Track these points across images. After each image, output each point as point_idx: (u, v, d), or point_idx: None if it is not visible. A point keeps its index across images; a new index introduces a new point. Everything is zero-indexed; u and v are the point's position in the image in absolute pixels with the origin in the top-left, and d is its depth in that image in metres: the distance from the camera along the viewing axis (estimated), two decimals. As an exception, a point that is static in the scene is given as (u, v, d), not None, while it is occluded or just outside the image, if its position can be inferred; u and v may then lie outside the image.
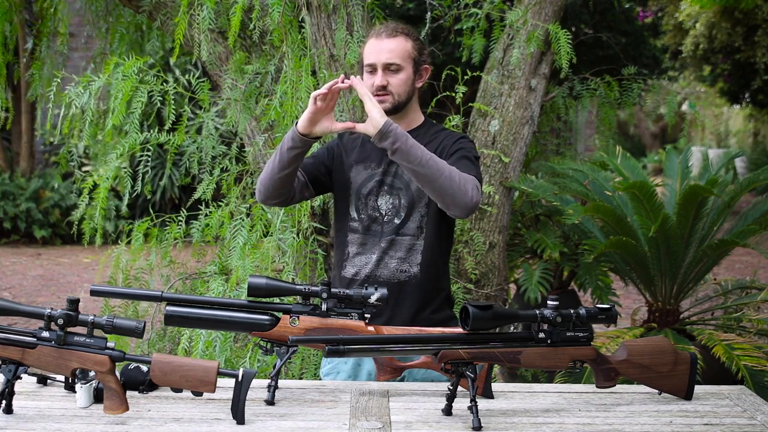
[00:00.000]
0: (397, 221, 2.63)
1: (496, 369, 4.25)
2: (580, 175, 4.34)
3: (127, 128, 3.71)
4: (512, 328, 4.21)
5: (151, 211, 4.26)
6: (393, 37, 2.60)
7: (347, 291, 2.27)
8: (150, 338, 3.86)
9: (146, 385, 2.25)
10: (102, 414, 2.06)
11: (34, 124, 10.81)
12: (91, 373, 2.14)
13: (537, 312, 2.16)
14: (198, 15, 3.55)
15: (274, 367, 2.24)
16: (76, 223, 3.97)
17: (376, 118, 2.39)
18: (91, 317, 2.04)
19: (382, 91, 2.58)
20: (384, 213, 2.64)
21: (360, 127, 2.45)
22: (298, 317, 2.25)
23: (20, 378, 2.07)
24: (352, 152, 2.71)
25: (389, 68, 2.58)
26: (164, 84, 3.74)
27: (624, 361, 2.23)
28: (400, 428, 2.04)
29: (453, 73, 3.77)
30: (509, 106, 3.95)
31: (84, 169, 9.26)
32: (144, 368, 2.24)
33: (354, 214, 2.68)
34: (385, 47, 2.58)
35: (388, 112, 2.56)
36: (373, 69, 2.59)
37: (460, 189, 2.41)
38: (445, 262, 2.72)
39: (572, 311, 2.17)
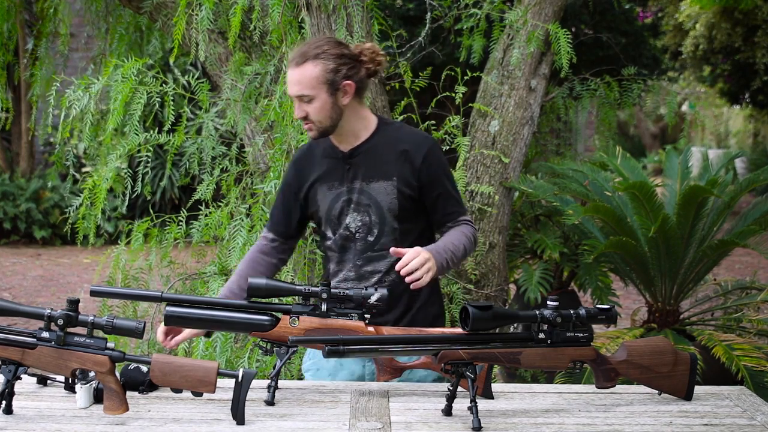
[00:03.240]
0: (370, 238, 2.57)
1: (496, 369, 4.25)
2: (579, 175, 4.34)
3: (126, 129, 3.71)
4: (512, 328, 4.21)
5: (151, 211, 4.26)
6: (299, 66, 2.47)
7: (347, 291, 2.27)
8: (150, 338, 3.86)
9: (146, 385, 2.25)
10: (102, 414, 2.06)
11: (36, 125, 10.80)
12: (91, 374, 2.14)
13: (537, 312, 2.16)
14: (197, 15, 3.55)
15: (274, 367, 2.24)
16: (70, 222, 3.97)
17: (431, 262, 2.39)
18: (91, 318, 2.04)
19: (305, 120, 2.52)
20: (355, 231, 2.58)
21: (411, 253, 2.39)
22: (297, 318, 2.25)
23: (20, 378, 2.07)
24: (311, 172, 2.63)
25: (302, 99, 2.49)
26: (163, 85, 3.74)
27: (624, 361, 2.23)
28: (400, 428, 2.04)
29: (453, 73, 3.77)
30: (509, 107, 3.95)
31: (84, 170, 9.26)
32: (144, 368, 2.24)
33: (329, 234, 2.63)
34: (293, 79, 2.48)
35: (317, 137, 2.55)
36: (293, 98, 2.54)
37: (473, 245, 2.62)
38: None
39: (572, 312, 2.17)
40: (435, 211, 2.60)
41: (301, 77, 2.47)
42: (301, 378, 3.10)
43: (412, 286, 2.39)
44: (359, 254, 2.59)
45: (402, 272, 2.36)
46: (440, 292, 2.76)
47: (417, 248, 2.39)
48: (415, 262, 2.36)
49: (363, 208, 2.57)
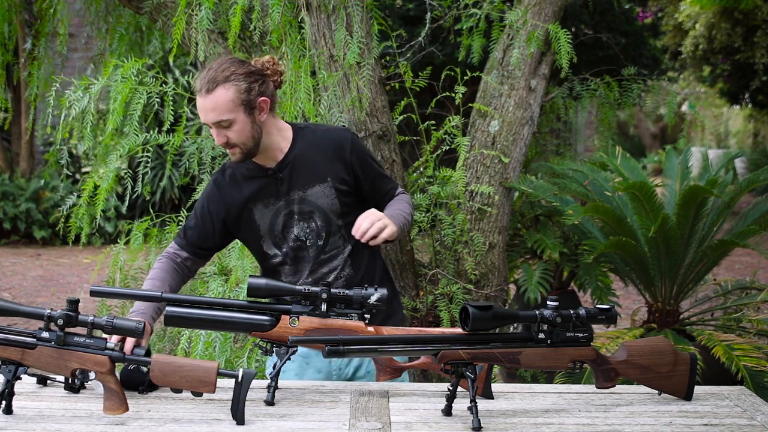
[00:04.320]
0: (320, 242, 2.60)
1: (496, 369, 4.25)
2: (579, 175, 4.34)
3: (126, 129, 3.71)
4: (512, 328, 4.21)
5: (150, 211, 4.26)
6: (211, 93, 2.43)
7: (347, 291, 2.27)
8: (150, 339, 3.85)
9: (146, 385, 2.25)
10: (102, 414, 2.06)
11: (35, 125, 10.80)
12: (91, 374, 2.14)
13: (537, 312, 2.16)
14: (197, 15, 3.55)
15: (274, 367, 2.24)
16: (63, 221, 3.97)
17: (384, 220, 2.46)
18: (91, 318, 2.04)
19: (226, 146, 2.49)
20: (305, 239, 2.61)
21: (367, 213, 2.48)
22: (297, 318, 2.25)
23: (20, 378, 2.07)
24: (237, 196, 2.61)
25: (221, 125, 2.46)
26: (163, 85, 3.74)
27: (624, 361, 2.23)
28: (400, 428, 2.04)
29: (452, 73, 3.77)
30: (509, 107, 3.94)
31: (84, 170, 9.27)
32: (144, 368, 2.24)
33: (275, 251, 2.63)
34: (207, 107, 2.44)
35: (243, 159, 2.53)
36: (210, 126, 2.49)
37: (413, 210, 2.72)
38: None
39: (572, 312, 2.17)
40: (375, 194, 2.67)
41: (216, 104, 2.44)
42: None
43: (371, 243, 2.46)
44: (313, 259, 2.61)
45: (357, 235, 2.44)
46: (392, 279, 2.81)
47: (366, 212, 2.48)
48: (366, 222, 2.45)
49: (307, 215, 2.59)
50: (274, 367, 2.25)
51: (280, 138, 2.59)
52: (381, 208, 2.64)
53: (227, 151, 2.53)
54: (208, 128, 2.50)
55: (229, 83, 2.44)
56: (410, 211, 2.66)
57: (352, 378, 2.64)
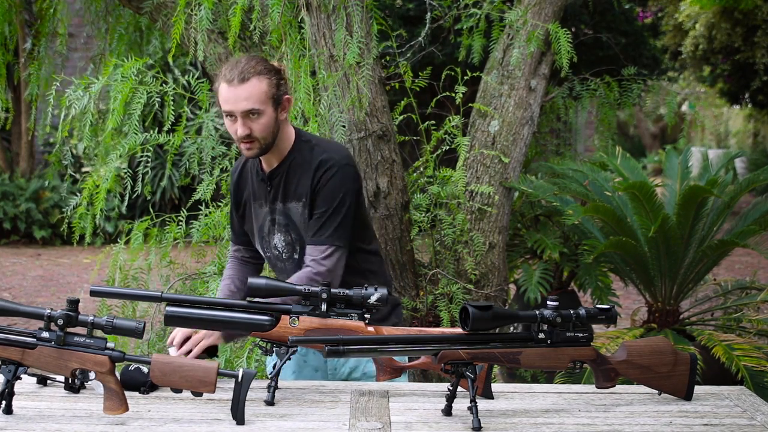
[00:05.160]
0: (296, 256, 2.61)
1: (496, 369, 4.25)
2: (579, 175, 4.34)
3: (126, 129, 3.71)
4: (512, 328, 4.21)
5: (151, 211, 4.26)
6: (246, 82, 2.44)
7: (347, 291, 2.27)
8: (150, 339, 3.86)
9: (147, 385, 2.25)
10: (102, 414, 2.06)
11: (35, 125, 10.79)
12: (91, 374, 2.14)
13: (537, 312, 2.16)
14: (196, 15, 3.55)
15: (274, 367, 2.24)
16: (67, 222, 3.98)
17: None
18: (91, 318, 2.04)
19: (247, 139, 2.49)
20: (282, 251, 2.63)
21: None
22: (297, 318, 2.25)
23: (20, 378, 2.07)
24: (245, 190, 2.67)
25: (249, 115, 2.46)
26: (163, 85, 3.74)
27: (624, 361, 2.23)
28: (400, 428, 2.04)
29: (453, 73, 3.77)
30: (509, 107, 3.94)
31: (84, 170, 9.26)
32: (144, 369, 2.24)
33: (261, 252, 2.70)
34: (241, 95, 2.44)
35: (257, 155, 2.54)
36: (231, 116, 2.48)
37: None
38: (355, 259, 2.61)
39: (572, 312, 2.17)
40: (309, 226, 2.54)
41: (250, 93, 2.44)
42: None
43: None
44: (289, 272, 2.61)
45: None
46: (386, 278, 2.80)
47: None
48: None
49: (284, 228, 2.61)
50: (274, 367, 2.25)
51: (286, 143, 2.59)
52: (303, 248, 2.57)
53: (243, 145, 2.51)
54: (232, 119, 2.47)
55: (263, 76, 2.47)
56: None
57: (347, 378, 2.64)
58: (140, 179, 3.76)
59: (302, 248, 2.59)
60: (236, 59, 2.54)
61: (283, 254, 2.63)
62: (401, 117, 3.76)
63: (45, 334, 2.04)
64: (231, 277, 2.70)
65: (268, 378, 2.24)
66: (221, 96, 2.48)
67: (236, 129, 2.47)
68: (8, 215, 10.25)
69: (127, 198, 3.98)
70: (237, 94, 2.45)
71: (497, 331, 2.30)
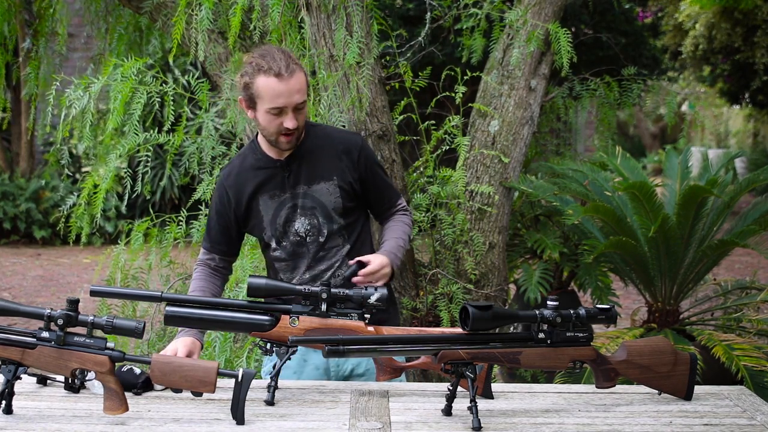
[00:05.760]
0: (321, 239, 2.61)
1: (496, 369, 4.25)
2: (579, 175, 4.34)
3: (126, 129, 3.71)
4: (512, 328, 4.21)
5: (151, 211, 4.26)
6: (294, 75, 2.45)
7: (347, 291, 2.27)
8: (150, 338, 3.86)
9: (139, 386, 2.25)
10: (102, 414, 2.06)
11: (35, 125, 10.79)
12: (90, 374, 2.14)
13: (537, 312, 2.16)
14: (197, 15, 3.55)
15: (274, 367, 2.24)
16: (63, 221, 3.97)
17: (388, 268, 2.50)
18: (91, 318, 2.04)
19: (293, 131, 2.49)
20: (305, 235, 2.61)
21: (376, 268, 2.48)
22: (297, 318, 2.25)
23: (20, 378, 2.07)
24: (246, 187, 2.62)
25: (300, 108, 2.48)
26: (163, 85, 3.74)
27: (624, 361, 2.23)
28: (400, 428, 2.04)
29: (452, 73, 3.77)
30: (509, 107, 3.94)
31: (84, 170, 9.26)
32: (137, 370, 2.25)
33: (274, 245, 2.64)
34: (294, 87, 2.45)
35: (294, 147, 2.55)
36: (280, 111, 2.46)
37: (411, 229, 2.78)
38: (368, 241, 2.72)
39: (572, 311, 2.17)
40: (378, 202, 2.71)
41: (301, 85, 2.47)
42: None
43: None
44: (312, 255, 2.61)
45: (359, 275, 2.45)
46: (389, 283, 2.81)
47: (380, 259, 2.49)
48: (378, 274, 2.48)
49: (309, 211, 2.60)
50: (274, 367, 2.25)
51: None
52: (381, 218, 2.72)
53: (284, 138, 2.51)
54: (278, 113, 2.47)
55: (300, 67, 2.50)
56: (409, 235, 2.72)
57: (349, 376, 2.63)
58: (140, 179, 3.76)
59: (328, 230, 2.59)
60: (271, 52, 2.50)
61: (307, 238, 2.60)
62: (401, 117, 3.76)
63: (45, 334, 2.04)
64: (203, 289, 2.62)
65: (267, 377, 2.24)
66: (270, 90, 2.45)
67: (281, 122, 2.47)
68: (8, 215, 10.25)
69: (127, 198, 3.98)
70: (290, 87, 2.45)
71: (497, 331, 2.30)
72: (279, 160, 2.59)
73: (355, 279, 2.44)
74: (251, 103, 2.51)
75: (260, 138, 2.63)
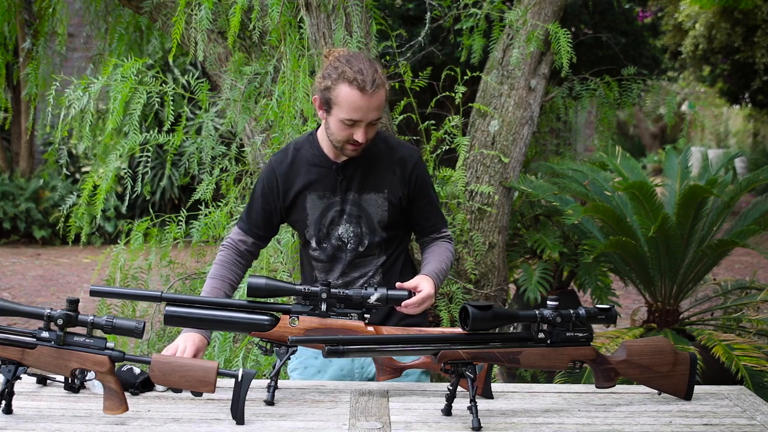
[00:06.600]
0: (360, 249, 2.61)
1: (496, 369, 4.25)
2: (579, 175, 4.34)
3: (126, 129, 3.71)
4: (512, 328, 4.21)
5: (150, 211, 4.27)
6: (377, 92, 2.43)
7: (347, 291, 2.27)
8: (150, 338, 3.86)
9: (136, 386, 2.25)
10: (102, 414, 2.06)
11: (35, 125, 10.79)
12: (90, 374, 2.14)
13: (536, 312, 2.16)
14: (196, 15, 3.55)
15: (273, 367, 2.24)
16: (62, 220, 3.98)
17: (431, 292, 2.44)
18: (91, 317, 2.04)
19: (360, 144, 2.49)
20: (347, 242, 2.61)
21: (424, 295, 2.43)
22: (297, 317, 2.25)
23: (20, 378, 2.07)
24: (297, 179, 2.60)
25: (374, 123, 2.48)
26: (163, 85, 3.74)
27: (624, 361, 2.23)
28: (400, 428, 2.04)
29: (452, 73, 3.77)
30: (509, 107, 3.94)
31: (84, 170, 9.26)
32: (136, 370, 2.25)
33: (314, 244, 2.63)
34: (373, 105, 2.44)
35: (353, 158, 2.54)
36: (354, 123, 2.45)
37: (452, 258, 2.70)
38: (404, 254, 2.71)
39: (572, 311, 2.17)
40: (421, 220, 2.66)
41: (380, 103, 2.46)
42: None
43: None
44: (349, 263, 2.61)
45: (403, 306, 2.39)
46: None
47: (428, 290, 2.43)
48: (423, 306, 2.43)
49: (354, 219, 2.59)
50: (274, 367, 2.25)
51: None
52: (422, 240, 2.69)
53: (351, 146, 2.49)
54: (351, 125, 2.45)
55: (383, 86, 2.47)
56: (450, 263, 2.66)
57: (373, 378, 2.60)
58: (140, 179, 3.76)
59: (370, 241, 2.59)
60: (359, 62, 2.46)
61: (348, 244, 2.60)
62: (401, 117, 3.76)
63: (45, 334, 2.04)
64: (222, 278, 2.58)
65: (271, 377, 2.24)
66: (351, 102, 2.42)
67: (352, 133, 2.46)
68: (8, 215, 10.25)
69: (127, 198, 3.98)
70: (369, 103, 2.43)
71: (497, 331, 2.30)
72: (336, 162, 2.58)
73: (398, 308, 2.41)
74: (327, 106, 2.49)
75: (320, 134, 2.60)
